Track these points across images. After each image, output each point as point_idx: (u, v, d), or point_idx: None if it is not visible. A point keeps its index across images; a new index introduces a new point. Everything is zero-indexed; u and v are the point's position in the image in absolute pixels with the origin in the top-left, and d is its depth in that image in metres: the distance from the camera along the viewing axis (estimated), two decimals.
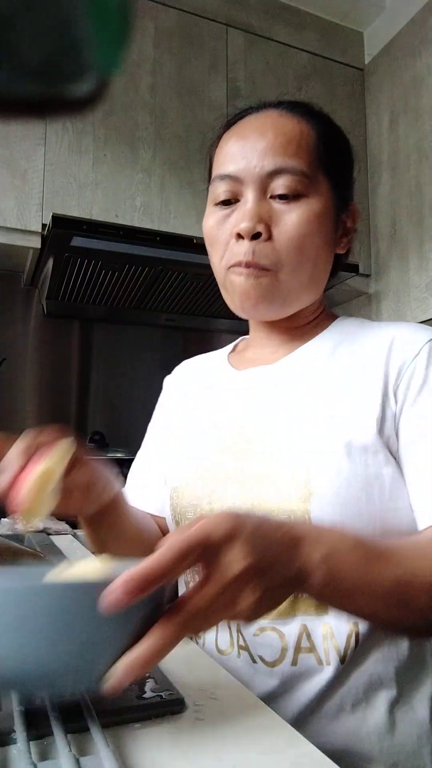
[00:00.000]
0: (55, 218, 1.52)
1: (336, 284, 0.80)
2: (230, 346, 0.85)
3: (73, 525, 1.21)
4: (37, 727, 0.40)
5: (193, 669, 0.53)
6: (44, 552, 0.85)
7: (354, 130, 2.00)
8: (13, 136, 1.60)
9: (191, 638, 0.69)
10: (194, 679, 0.51)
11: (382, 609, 0.50)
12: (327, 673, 0.60)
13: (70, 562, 0.48)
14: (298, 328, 0.74)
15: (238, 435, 0.70)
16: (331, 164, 0.69)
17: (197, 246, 1.60)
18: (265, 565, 0.41)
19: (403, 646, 0.63)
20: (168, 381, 0.90)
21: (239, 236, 0.66)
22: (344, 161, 0.73)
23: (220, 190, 0.69)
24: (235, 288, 0.69)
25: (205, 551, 0.39)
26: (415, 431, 0.62)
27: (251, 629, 0.63)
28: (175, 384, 0.88)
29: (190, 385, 0.84)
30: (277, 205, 0.66)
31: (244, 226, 0.65)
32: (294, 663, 0.61)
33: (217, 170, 0.71)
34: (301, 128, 0.68)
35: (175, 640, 0.38)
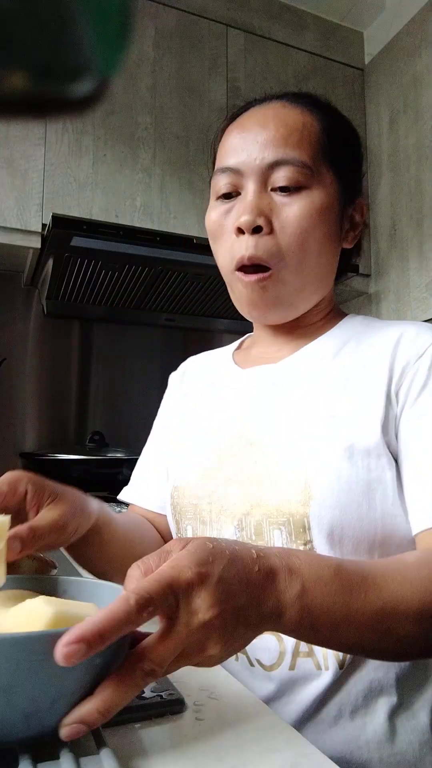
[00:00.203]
0: (55, 218, 1.52)
1: (339, 282, 0.79)
2: (236, 343, 0.84)
3: None
4: None
5: (193, 669, 0.53)
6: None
7: None
8: (13, 136, 1.60)
9: None
10: (194, 679, 0.50)
11: (365, 640, 0.47)
12: (325, 678, 0.59)
13: (6, 596, 0.46)
14: (306, 327, 0.73)
15: (240, 435, 0.69)
16: (336, 156, 0.67)
17: (197, 246, 1.60)
18: (231, 614, 0.39)
19: None
20: (173, 377, 0.89)
21: (240, 231, 0.65)
22: (351, 153, 0.71)
23: (221, 183, 0.68)
24: (242, 297, 0.68)
25: (166, 599, 0.36)
26: (413, 432, 0.60)
27: None
28: (179, 381, 0.87)
29: (195, 382, 0.83)
30: (279, 198, 0.65)
31: (244, 219, 0.64)
32: (292, 667, 0.60)
33: (218, 163, 0.70)
34: (304, 119, 0.66)
35: (134, 691, 0.36)
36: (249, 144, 0.66)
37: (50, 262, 1.64)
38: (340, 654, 0.59)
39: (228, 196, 0.68)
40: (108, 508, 0.69)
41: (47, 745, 0.38)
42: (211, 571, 0.39)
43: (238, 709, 0.46)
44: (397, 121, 1.97)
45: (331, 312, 0.75)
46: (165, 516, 0.79)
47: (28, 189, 1.60)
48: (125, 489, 0.86)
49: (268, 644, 0.61)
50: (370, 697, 0.59)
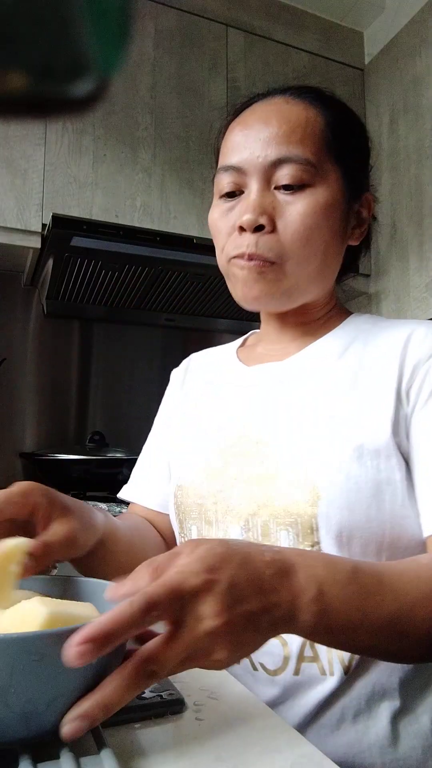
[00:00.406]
0: (55, 218, 1.52)
1: (342, 281, 0.78)
2: (239, 340, 0.83)
3: None
4: None
5: (193, 669, 0.53)
6: None
7: None
8: (13, 136, 1.60)
9: None
10: (194, 679, 0.50)
11: (380, 643, 0.47)
12: (330, 683, 0.58)
13: None
14: (310, 323, 0.72)
15: (245, 434, 0.68)
16: (341, 151, 0.66)
17: (197, 246, 1.60)
18: (240, 620, 0.38)
19: None
20: (175, 374, 0.88)
21: (242, 229, 0.64)
22: (357, 147, 0.70)
23: (224, 182, 0.67)
24: (237, 280, 0.66)
25: (172, 605, 0.36)
26: (425, 433, 0.59)
27: None
28: (182, 378, 0.85)
29: (198, 379, 0.82)
30: (282, 196, 0.64)
31: (246, 218, 0.63)
32: (296, 672, 0.59)
33: (221, 161, 0.69)
34: (308, 114, 0.65)
35: (134, 691, 0.36)
36: (251, 141, 0.65)
37: (50, 262, 1.64)
38: (346, 659, 0.58)
39: (231, 195, 0.67)
40: (112, 518, 0.68)
41: (47, 745, 0.38)
42: (219, 577, 0.38)
43: (238, 709, 0.46)
44: (397, 121, 1.97)
45: (336, 309, 0.74)
46: (166, 515, 0.78)
47: (28, 189, 1.60)
48: (125, 487, 0.85)
49: (273, 649, 0.60)
50: (372, 701, 0.58)
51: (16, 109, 0.17)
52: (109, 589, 0.40)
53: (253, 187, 0.65)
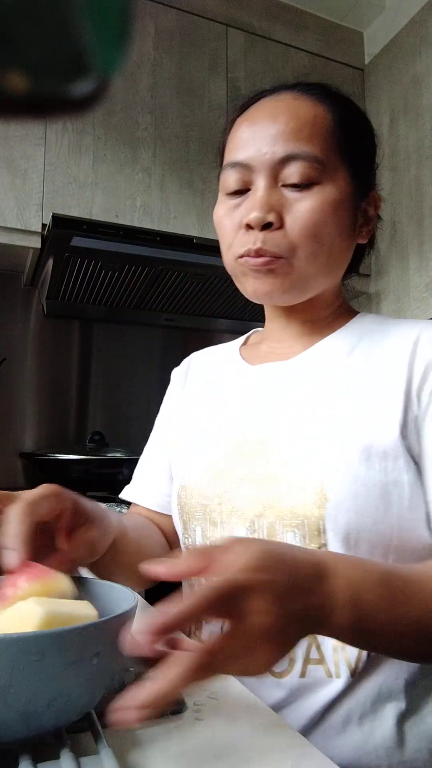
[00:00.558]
0: (55, 218, 1.52)
1: (345, 279, 0.78)
2: (242, 339, 0.82)
3: None
4: None
5: None
6: None
7: None
8: (13, 136, 1.60)
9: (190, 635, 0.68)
10: None
11: (410, 646, 0.48)
12: (336, 685, 0.58)
13: None
14: (316, 321, 0.71)
15: (251, 434, 0.67)
16: (349, 149, 0.65)
17: (197, 246, 1.60)
18: (285, 620, 0.40)
19: None
20: (176, 373, 0.87)
21: (249, 227, 0.63)
22: (364, 145, 0.69)
23: (230, 179, 0.66)
24: (246, 278, 0.66)
25: (232, 602, 0.38)
26: None
27: None
28: (183, 377, 0.84)
29: (200, 378, 0.81)
30: (290, 194, 0.63)
31: (253, 216, 0.62)
32: (302, 675, 0.59)
33: (227, 158, 0.67)
34: (316, 111, 0.64)
35: (190, 683, 0.36)
36: (259, 138, 0.64)
37: (50, 262, 1.64)
38: (353, 661, 0.58)
39: (237, 192, 0.66)
40: (122, 518, 0.68)
41: (47, 745, 0.38)
42: (272, 577, 0.40)
43: (238, 709, 0.46)
44: (397, 121, 1.97)
45: (342, 308, 0.73)
46: (167, 516, 0.78)
47: (28, 189, 1.60)
48: (127, 487, 0.84)
49: None
50: (378, 703, 0.58)
51: (16, 109, 0.17)
52: (150, 565, 0.41)
53: (261, 184, 0.64)
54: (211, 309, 1.99)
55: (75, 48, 0.16)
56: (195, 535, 0.69)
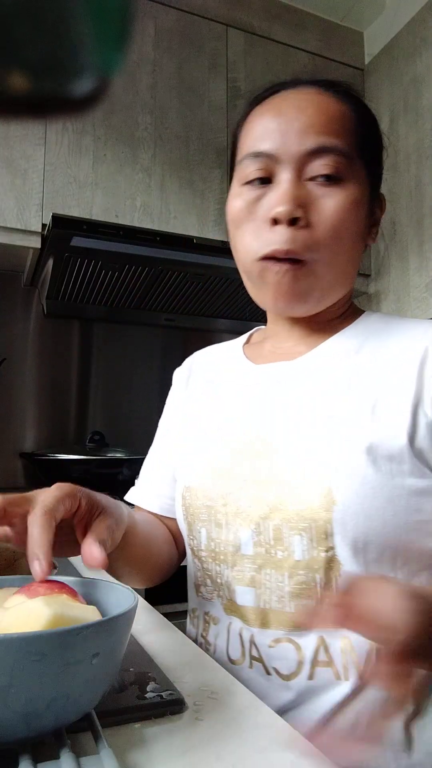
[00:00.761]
0: (55, 218, 1.52)
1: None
2: (244, 337, 0.80)
3: None
4: None
5: (193, 669, 0.53)
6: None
7: None
8: (13, 136, 1.60)
9: (198, 643, 0.68)
10: (194, 679, 0.50)
11: None
12: (345, 687, 0.57)
13: None
14: (323, 322, 0.70)
15: (256, 434, 0.65)
16: (366, 149, 0.64)
17: (197, 246, 1.59)
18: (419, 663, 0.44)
19: None
20: (178, 374, 0.85)
21: (275, 221, 0.60)
22: (378, 147, 0.69)
23: (251, 168, 0.62)
24: (268, 285, 0.63)
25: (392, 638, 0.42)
26: None
27: (266, 640, 0.60)
28: (185, 378, 0.83)
29: (203, 378, 0.80)
30: (316, 189, 0.61)
31: (282, 209, 0.59)
32: (311, 677, 0.58)
33: (248, 148, 0.64)
34: (342, 108, 0.63)
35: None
36: (286, 128, 0.61)
37: (50, 262, 1.64)
38: (362, 663, 0.57)
39: (260, 182, 0.63)
40: (132, 511, 0.67)
41: (47, 745, 0.38)
42: (425, 623, 0.43)
43: (238, 709, 0.46)
44: (397, 121, 1.97)
45: (349, 308, 0.72)
46: (171, 519, 0.77)
47: (28, 189, 1.60)
48: (132, 489, 0.84)
49: (286, 653, 0.59)
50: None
51: (16, 109, 0.17)
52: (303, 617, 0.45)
53: (286, 177, 0.61)
54: (211, 309, 1.99)
55: (75, 48, 0.16)
56: (200, 537, 0.68)
